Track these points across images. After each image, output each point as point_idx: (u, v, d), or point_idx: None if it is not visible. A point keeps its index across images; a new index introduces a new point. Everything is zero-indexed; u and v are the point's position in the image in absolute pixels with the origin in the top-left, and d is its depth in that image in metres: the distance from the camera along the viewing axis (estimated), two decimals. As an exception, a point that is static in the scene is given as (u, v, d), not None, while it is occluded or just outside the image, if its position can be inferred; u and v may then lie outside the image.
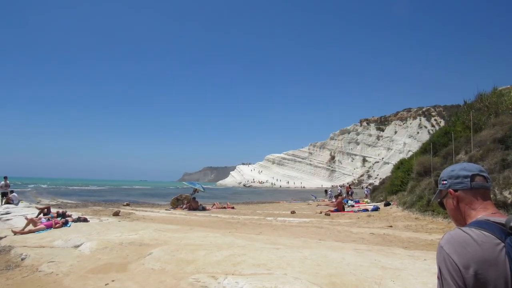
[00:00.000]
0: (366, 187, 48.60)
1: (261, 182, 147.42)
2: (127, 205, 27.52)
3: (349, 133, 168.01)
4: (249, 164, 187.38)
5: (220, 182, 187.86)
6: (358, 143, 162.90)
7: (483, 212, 1.69)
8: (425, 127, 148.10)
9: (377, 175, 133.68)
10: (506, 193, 11.21)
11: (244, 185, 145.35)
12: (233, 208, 25.62)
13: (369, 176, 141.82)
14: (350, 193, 36.98)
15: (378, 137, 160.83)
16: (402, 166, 28.93)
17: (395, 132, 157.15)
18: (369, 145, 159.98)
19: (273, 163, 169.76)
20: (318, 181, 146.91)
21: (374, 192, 36.67)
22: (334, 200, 30.90)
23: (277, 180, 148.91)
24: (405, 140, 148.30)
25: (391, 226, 13.35)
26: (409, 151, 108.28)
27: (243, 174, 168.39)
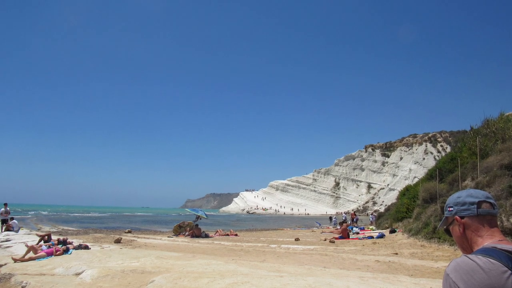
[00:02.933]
0: (371, 214, 48.27)
1: (264, 209, 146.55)
2: (129, 232, 27.39)
3: (354, 159, 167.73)
4: (253, 190, 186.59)
5: (223, 209, 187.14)
6: (363, 169, 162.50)
7: (489, 239, 1.67)
8: (431, 153, 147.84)
9: (382, 201, 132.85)
10: (513, 220, 11.06)
11: (248, 212, 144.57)
12: (236, 235, 25.43)
13: (374, 203, 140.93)
14: (355, 220, 36.74)
15: (383, 163, 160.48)
16: (407, 193, 28.77)
17: (401, 158, 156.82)
18: (374, 171, 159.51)
19: (277, 189, 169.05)
20: (322, 208, 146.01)
21: (379, 219, 36.32)
22: (338, 227, 30.66)
23: (281, 207, 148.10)
24: (411, 166, 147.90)
25: (396, 254, 13.17)
26: (415, 177, 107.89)
27: (247, 201, 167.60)
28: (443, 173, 20.37)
